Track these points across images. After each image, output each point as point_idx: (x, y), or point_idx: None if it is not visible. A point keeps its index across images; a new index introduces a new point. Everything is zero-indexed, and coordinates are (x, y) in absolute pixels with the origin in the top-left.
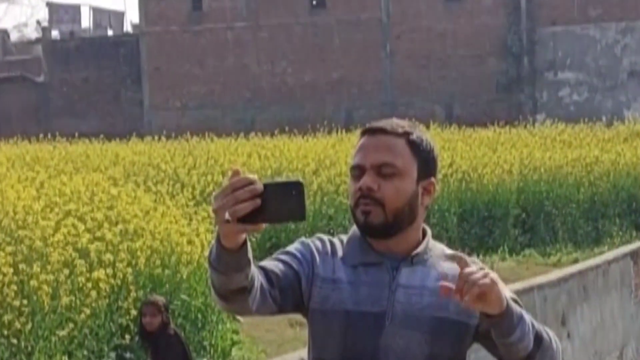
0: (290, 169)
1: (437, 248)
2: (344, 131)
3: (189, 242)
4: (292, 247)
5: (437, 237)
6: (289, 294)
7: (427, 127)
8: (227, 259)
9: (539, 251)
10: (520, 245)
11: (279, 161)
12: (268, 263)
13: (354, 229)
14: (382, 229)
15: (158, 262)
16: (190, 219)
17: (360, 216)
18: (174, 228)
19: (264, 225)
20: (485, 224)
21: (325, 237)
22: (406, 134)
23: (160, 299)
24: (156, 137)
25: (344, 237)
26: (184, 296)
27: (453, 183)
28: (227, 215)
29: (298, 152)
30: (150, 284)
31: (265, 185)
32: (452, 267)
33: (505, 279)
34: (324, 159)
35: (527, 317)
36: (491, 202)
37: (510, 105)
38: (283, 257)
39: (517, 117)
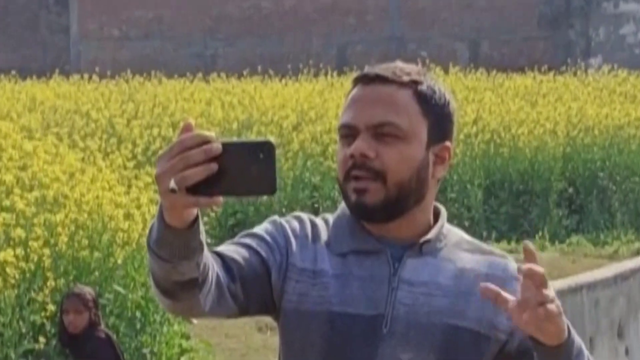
0: (263, 122)
1: (453, 234)
2: (335, 74)
3: (127, 216)
4: (260, 228)
5: (455, 217)
6: (255, 290)
7: (446, 71)
8: (173, 242)
9: (590, 239)
10: (565, 230)
11: (249, 111)
12: (227, 248)
13: (342, 206)
14: (381, 211)
15: (85, 241)
16: (129, 186)
17: (351, 193)
18: (107, 197)
19: (221, 199)
20: (519, 202)
21: (305, 216)
22: (414, 84)
23: (88, 291)
24: (86, 76)
25: (330, 217)
26: (118, 287)
27: (478, 146)
28: (172, 183)
29: (274, 100)
30: (74, 271)
31: (225, 146)
32: (475, 261)
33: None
34: (308, 110)
35: (586, 352)
36: (528, 172)
37: (555, 45)
38: (247, 240)
39: (565, 61)
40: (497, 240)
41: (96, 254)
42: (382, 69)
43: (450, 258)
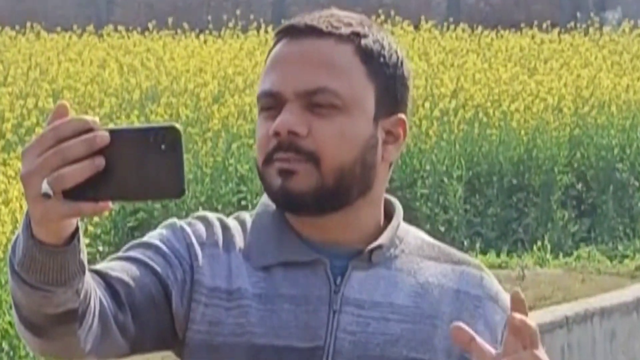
0: (174, 91)
1: (412, 236)
2: (270, 29)
3: None
4: (154, 236)
5: (427, 220)
6: (150, 320)
7: (417, 27)
8: (44, 263)
9: (605, 250)
10: (572, 239)
11: (155, 77)
12: (110, 266)
13: (264, 202)
14: (313, 200)
15: None
16: None
17: (274, 178)
18: None
19: (110, 204)
20: (512, 200)
21: (213, 217)
22: (356, 37)
23: None
24: None
25: (248, 217)
26: None
27: (458, 126)
28: (45, 186)
29: (188, 62)
30: None
31: (114, 134)
32: (442, 272)
33: (545, 297)
34: (233, 76)
35: None
36: (523, 161)
37: None
38: (137, 254)
39: (573, 16)
40: (483, 251)
41: None
42: (313, 18)
43: (409, 269)
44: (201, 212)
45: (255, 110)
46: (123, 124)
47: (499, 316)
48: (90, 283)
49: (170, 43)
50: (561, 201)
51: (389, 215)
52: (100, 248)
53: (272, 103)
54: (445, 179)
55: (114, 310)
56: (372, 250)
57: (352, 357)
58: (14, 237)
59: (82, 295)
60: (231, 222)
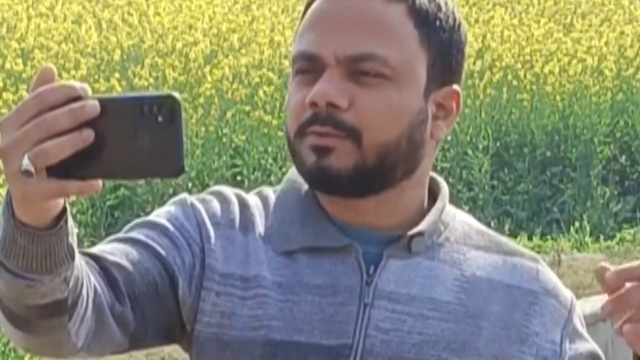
0: (160, 51)
1: (458, 222)
2: None
3: None
4: (160, 215)
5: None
6: (152, 310)
7: None
8: (27, 248)
9: None
10: (615, 219)
11: (138, 34)
12: (108, 249)
13: (290, 178)
14: (351, 181)
15: None
16: None
17: (308, 153)
18: None
19: (100, 183)
20: (545, 176)
21: (230, 193)
22: None
23: None
24: None
25: (271, 194)
26: None
27: (484, 91)
28: (27, 162)
29: (176, 17)
30: None
31: (105, 104)
32: (492, 264)
33: (584, 285)
34: (227, 32)
35: None
36: (559, 131)
37: None
38: (139, 235)
39: None
40: (513, 234)
41: None
42: None
43: (454, 260)
44: (217, 187)
45: (253, 73)
46: (101, 88)
47: (558, 313)
48: (82, 269)
49: None
50: (602, 176)
51: (432, 196)
52: (76, 230)
53: (309, 67)
54: (470, 151)
55: (110, 300)
56: (412, 237)
57: (383, 357)
58: None
59: (71, 284)
60: (251, 199)
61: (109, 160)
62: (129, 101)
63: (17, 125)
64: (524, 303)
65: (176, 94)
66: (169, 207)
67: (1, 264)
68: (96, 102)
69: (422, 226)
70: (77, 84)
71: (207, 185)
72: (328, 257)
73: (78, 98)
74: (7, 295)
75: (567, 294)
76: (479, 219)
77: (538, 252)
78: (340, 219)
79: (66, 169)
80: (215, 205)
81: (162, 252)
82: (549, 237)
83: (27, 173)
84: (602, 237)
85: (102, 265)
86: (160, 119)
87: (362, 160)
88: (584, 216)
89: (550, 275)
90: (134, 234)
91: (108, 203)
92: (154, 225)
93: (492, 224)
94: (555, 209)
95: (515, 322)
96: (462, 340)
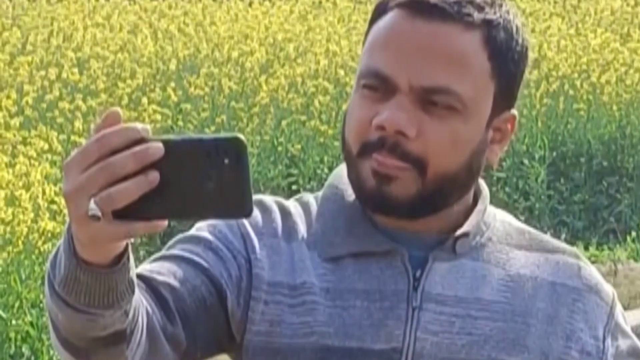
0: (216, 61)
1: (499, 222)
2: None
3: (10, 200)
4: (204, 228)
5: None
6: (202, 326)
7: None
8: (90, 284)
9: None
10: None
11: (194, 45)
12: (156, 268)
13: (333, 183)
14: (409, 207)
15: None
16: (14, 155)
17: (368, 175)
18: None
19: (165, 223)
20: (602, 186)
21: (271, 201)
22: (487, 25)
23: None
24: None
25: (313, 200)
26: None
27: (540, 101)
28: (93, 207)
29: (232, 27)
30: None
31: (169, 145)
32: (534, 262)
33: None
34: (283, 42)
35: None
36: (616, 141)
37: None
38: (184, 252)
39: None
40: (569, 243)
41: None
42: None
43: (498, 260)
44: (257, 196)
45: (309, 83)
46: (157, 98)
47: (600, 310)
48: (137, 296)
49: (211, 5)
50: None
51: (474, 198)
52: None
53: (379, 85)
54: (526, 161)
55: (162, 322)
56: (456, 239)
57: (434, 359)
58: (52, 251)
59: (130, 315)
60: (292, 206)
61: (175, 201)
62: (194, 143)
63: (81, 169)
64: (568, 300)
65: (241, 136)
66: (212, 220)
67: (62, 300)
68: (160, 145)
69: (465, 228)
70: (139, 126)
71: (263, 194)
72: (375, 262)
73: (141, 140)
74: (67, 328)
75: (608, 290)
76: (535, 228)
77: (594, 262)
78: (384, 224)
79: (132, 211)
80: (257, 215)
81: (209, 267)
82: (605, 246)
83: (94, 217)
84: None
85: (151, 286)
86: (226, 161)
87: (423, 189)
88: None
89: (592, 271)
90: (178, 251)
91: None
92: (198, 240)
93: (549, 233)
94: (611, 218)
95: (560, 318)
96: (511, 338)
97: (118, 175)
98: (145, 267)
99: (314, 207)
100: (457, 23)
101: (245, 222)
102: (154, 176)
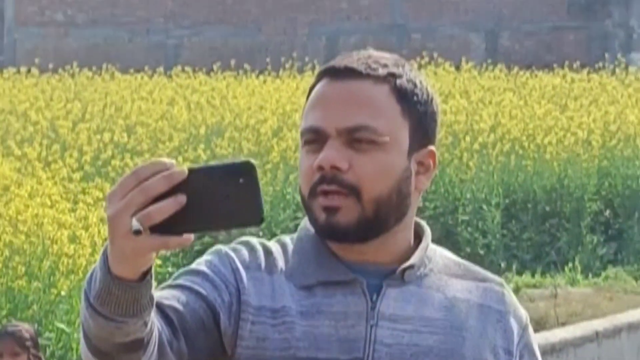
0: (237, 127)
1: (439, 256)
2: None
3: (72, 238)
4: (201, 263)
5: (468, 243)
6: (201, 343)
7: (458, 67)
8: (120, 297)
9: (631, 271)
10: (601, 261)
11: (219, 114)
12: (163, 294)
13: (303, 227)
14: (356, 231)
15: (21, 269)
16: (75, 202)
17: (319, 212)
18: (49, 215)
19: (192, 237)
20: (545, 226)
21: (256, 242)
22: (392, 77)
23: (25, 328)
24: (23, 69)
25: (289, 241)
26: (61, 324)
27: (496, 158)
28: (135, 223)
29: (250, 100)
30: (9, 304)
31: (193, 172)
32: (467, 288)
33: (576, 314)
34: (290, 112)
35: None
36: (556, 190)
37: (589, 38)
38: (185, 281)
39: (601, 57)
40: (519, 272)
41: (35, 284)
42: (352, 60)
43: (438, 286)
44: (245, 238)
45: None
46: (190, 157)
47: (516, 330)
48: (152, 315)
49: (233, 83)
50: (590, 226)
51: (418, 237)
52: (170, 269)
53: (315, 138)
54: (484, 206)
55: (169, 337)
56: (404, 270)
57: None
58: (88, 273)
59: (148, 327)
60: (273, 246)
61: (200, 217)
62: (215, 168)
63: (120, 197)
64: (493, 319)
65: (252, 160)
66: (209, 257)
67: (96, 310)
68: (183, 168)
69: (411, 261)
70: (165, 159)
71: (275, 234)
72: (340, 289)
73: (167, 169)
74: (97, 335)
75: (523, 314)
76: (491, 261)
77: (539, 287)
78: (346, 258)
79: (165, 227)
80: (244, 253)
81: (206, 294)
82: (547, 275)
83: (137, 232)
84: (590, 275)
85: (160, 308)
86: (241, 180)
87: (363, 214)
88: (576, 258)
89: (512, 298)
90: (182, 281)
91: (195, 248)
92: (197, 273)
93: (502, 264)
94: (553, 252)
95: (488, 334)
96: (450, 348)
97: (152, 195)
98: (155, 294)
99: (290, 246)
100: (367, 78)
101: (235, 258)
102: (182, 198)
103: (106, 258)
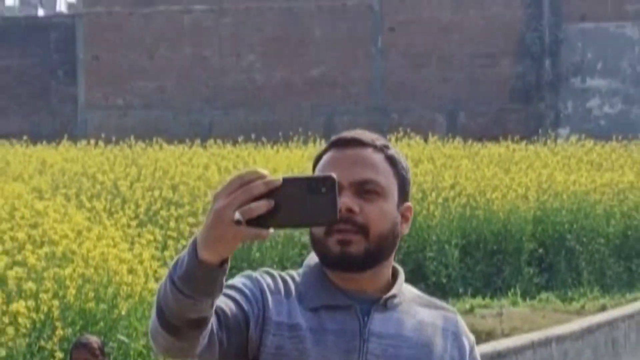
0: None
1: (408, 290)
2: (322, 141)
3: (130, 270)
4: (238, 282)
5: (433, 274)
6: (235, 339)
7: (426, 139)
8: (201, 278)
9: (559, 295)
10: (535, 287)
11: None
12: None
13: (308, 263)
14: (362, 261)
15: (91, 294)
16: (132, 243)
17: (334, 246)
18: (112, 253)
19: (272, 231)
20: (493, 260)
21: (275, 272)
22: (385, 148)
23: (95, 340)
24: (92, 142)
25: (295, 274)
26: (122, 337)
27: (455, 209)
28: (238, 215)
29: (266, 164)
30: (81, 321)
31: (286, 179)
32: (431, 315)
33: (517, 328)
34: (298, 173)
35: None
36: (501, 233)
37: (527, 117)
38: (230, 292)
39: (536, 131)
40: (473, 295)
41: (102, 306)
42: (355, 134)
43: (410, 312)
44: (267, 269)
45: None
46: None
47: (467, 348)
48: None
49: (253, 152)
50: (527, 261)
51: (393, 275)
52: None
53: None
54: (446, 246)
55: (217, 329)
56: (387, 299)
57: None
58: (173, 261)
59: (213, 309)
60: (286, 275)
61: (288, 216)
62: (303, 179)
63: (226, 195)
64: (451, 339)
65: (334, 175)
66: (242, 278)
67: (177, 288)
68: (280, 177)
69: (392, 292)
70: (262, 170)
71: (285, 267)
72: (339, 312)
73: (264, 177)
74: (173, 309)
75: (471, 337)
76: (451, 288)
77: (488, 308)
78: (343, 287)
79: (258, 222)
80: (269, 279)
81: (243, 304)
82: (495, 298)
83: (239, 222)
84: (527, 298)
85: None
86: (323, 189)
87: (369, 247)
88: (517, 285)
89: (463, 324)
90: (227, 291)
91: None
92: (237, 289)
93: (460, 290)
94: (499, 281)
95: (448, 350)
96: (422, 359)
97: (253, 196)
98: None
99: (297, 278)
100: (369, 147)
101: (263, 282)
102: (272, 202)
103: (194, 247)
